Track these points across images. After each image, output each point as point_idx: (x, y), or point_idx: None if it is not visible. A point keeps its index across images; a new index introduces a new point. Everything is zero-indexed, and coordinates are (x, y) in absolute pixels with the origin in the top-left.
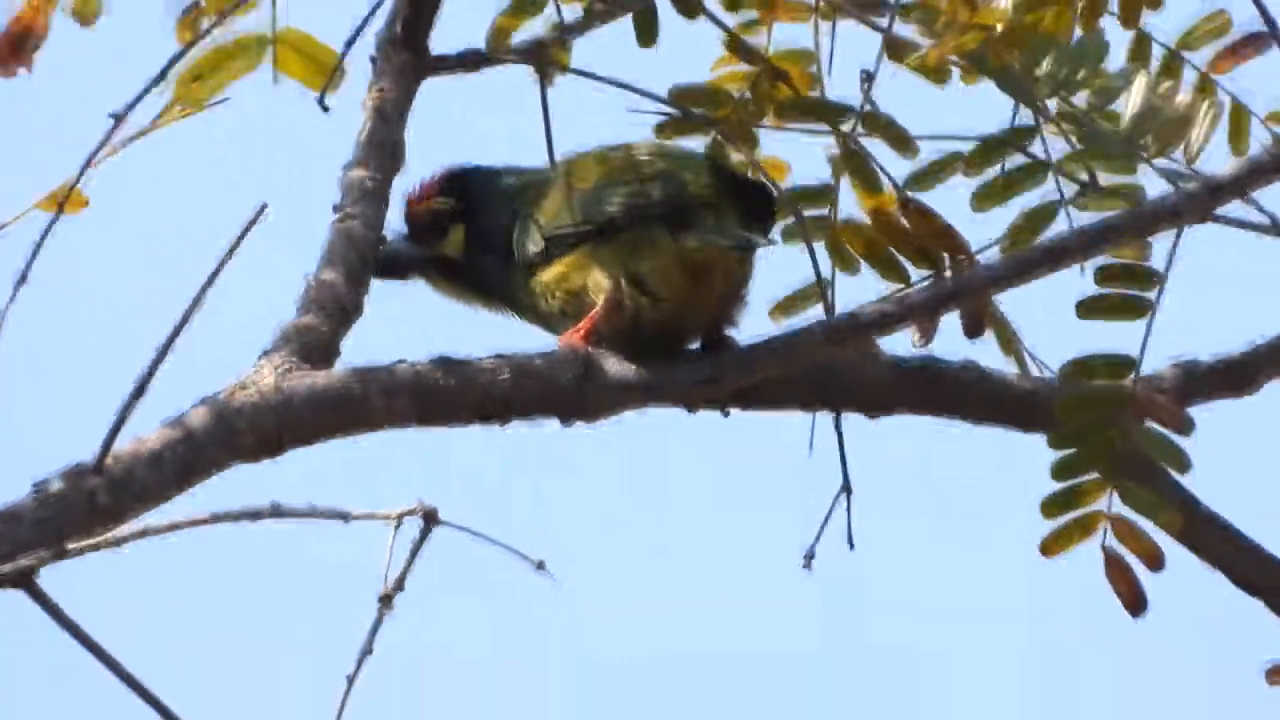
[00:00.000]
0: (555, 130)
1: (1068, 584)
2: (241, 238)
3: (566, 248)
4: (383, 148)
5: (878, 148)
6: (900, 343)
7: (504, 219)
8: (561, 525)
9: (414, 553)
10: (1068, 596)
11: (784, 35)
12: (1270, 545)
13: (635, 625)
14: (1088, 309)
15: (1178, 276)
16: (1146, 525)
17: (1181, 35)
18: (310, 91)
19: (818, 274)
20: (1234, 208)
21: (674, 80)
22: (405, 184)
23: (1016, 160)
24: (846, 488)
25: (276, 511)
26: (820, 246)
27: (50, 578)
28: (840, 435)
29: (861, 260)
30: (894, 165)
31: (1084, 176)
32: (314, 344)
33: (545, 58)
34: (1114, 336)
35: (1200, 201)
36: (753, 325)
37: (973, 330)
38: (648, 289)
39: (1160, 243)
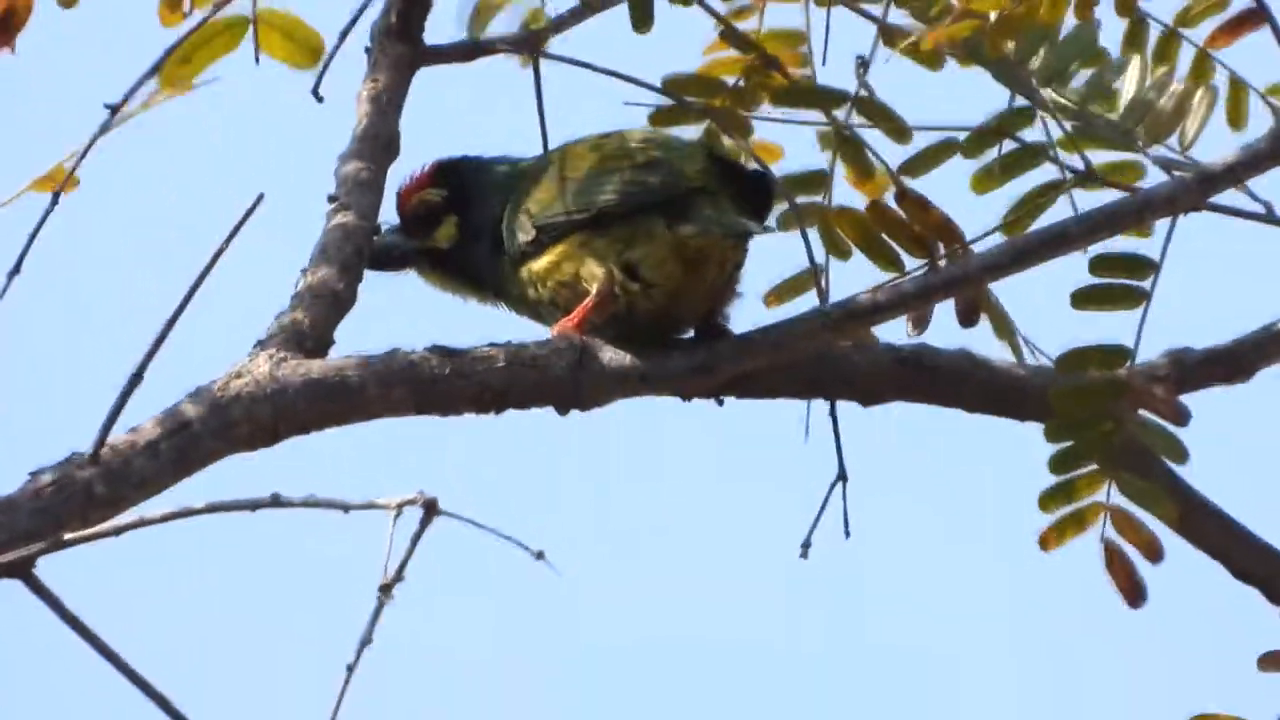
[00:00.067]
0: (550, 120)
1: (1065, 573)
2: (238, 228)
3: (558, 236)
4: (377, 139)
5: (872, 134)
6: (894, 331)
7: (495, 209)
8: (560, 515)
9: (414, 542)
10: (1065, 585)
11: (774, 17)
12: (1266, 534)
13: (633, 614)
14: (1082, 299)
15: (1172, 265)
16: (1145, 516)
17: (1179, 12)
18: (298, 74)
19: (812, 261)
20: (1228, 196)
21: (666, 68)
22: (400, 175)
23: (1013, 144)
24: (842, 476)
25: (276, 501)
26: (814, 233)
27: (48, 567)
28: (836, 424)
29: (855, 248)
30: (889, 151)
31: (1080, 166)
32: (308, 334)
33: (538, 47)
34: (1109, 325)
35: (1195, 189)
36: (747, 313)
37: (967, 318)
38: (642, 278)
39: (1155, 231)
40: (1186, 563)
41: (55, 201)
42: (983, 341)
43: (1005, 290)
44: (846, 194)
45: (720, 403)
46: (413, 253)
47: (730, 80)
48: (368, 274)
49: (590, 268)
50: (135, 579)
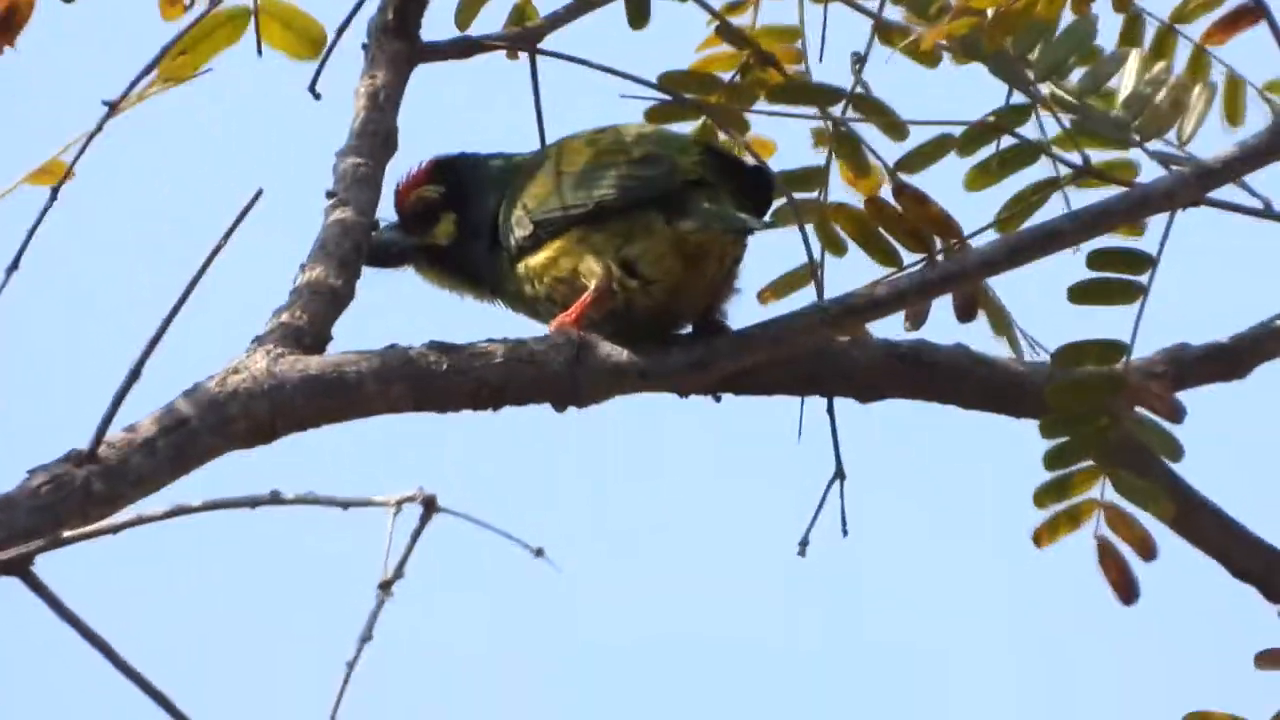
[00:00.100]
0: (547, 116)
1: (1063, 570)
2: (236, 224)
3: (555, 232)
4: (376, 135)
5: (868, 131)
6: (892, 327)
7: (492, 205)
8: (559, 512)
9: (413, 539)
10: (1063, 583)
11: (769, 13)
12: (1264, 532)
13: (632, 611)
14: (1080, 294)
15: (1170, 260)
16: (1139, 513)
17: (1176, 8)
18: (296, 70)
19: (810, 257)
20: (1226, 191)
21: (662, 65)
22: (398, 171)
23: (1010, 140)
24: (840, 473)
25: (275, 498)
26: (809, 230)
27: (46, 565)
28: (833, 421)
29: (851, 244)
30: (884, 150)
31: (1078, 161)
32: (306, 330)
33: (534, 44)
34: (1105, 321)
35: (1193, 184)
36: (744, 309)
37: (965, 314)
38: (640, 274)
39: (1153, 226)
40: (1184, 561)
41: (54, 197)
42: (980, 338)
43: (1003, 287)
44: (842, 193)
45: (718, 399)
46: (411, 249)
47: (725, 76)
48: (366, 270)
49: (588, 263)
50: (134, 577)
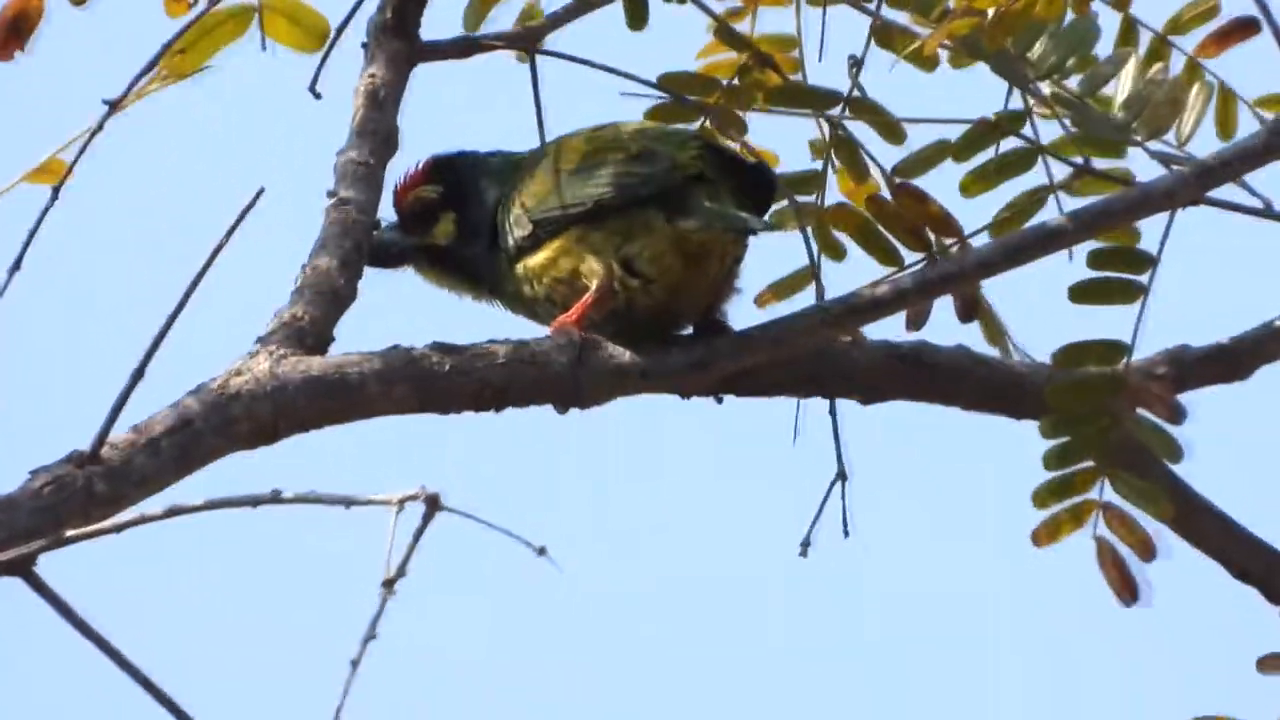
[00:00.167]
0: (547, 116)
1: (1065, 572)
2: (237, 223)
3: (554, 231)
4: (376, 134)
5: (866, 134)
6: (893, 328)
7: (491, 204)
8: (562, 511)
9: (416, 538)
10: (1065, 584)
11: (768, 20)
12: (1265, 533)
13: (634, 610)
14: (1080, 294)
15: (1170, 260)
16: (1139, 514)
17: (1170, 19)
18: (297, 69)
19: (811, 258)
20: (1226, 190)
21: (662, 66)
22: (398, 171)
23: (1007, 144)
24: (842, 474)
25: (277, 498)
26: (808, 232)
27: (49, 565)
28: (835, 422)
29: (851, 245)
30: (882, 154)
31: (1077, 160)
32: (309, 330)
33: (534, 43)
34: (1106, 321)
35: (1192, 184)
36: (745, 312)
37: (966, 314)
38: (641, 273)
39: (1153, 226)
40: (1185, 562)
41: (55, 196)
42: (981, 339)
43: (1002, 287)
44: (840, 198)
45: (719, 400)
46: (410, 249)
47: (724, 80)
48: (367, 270)
49: (589, 263)
50: (136, 576)
